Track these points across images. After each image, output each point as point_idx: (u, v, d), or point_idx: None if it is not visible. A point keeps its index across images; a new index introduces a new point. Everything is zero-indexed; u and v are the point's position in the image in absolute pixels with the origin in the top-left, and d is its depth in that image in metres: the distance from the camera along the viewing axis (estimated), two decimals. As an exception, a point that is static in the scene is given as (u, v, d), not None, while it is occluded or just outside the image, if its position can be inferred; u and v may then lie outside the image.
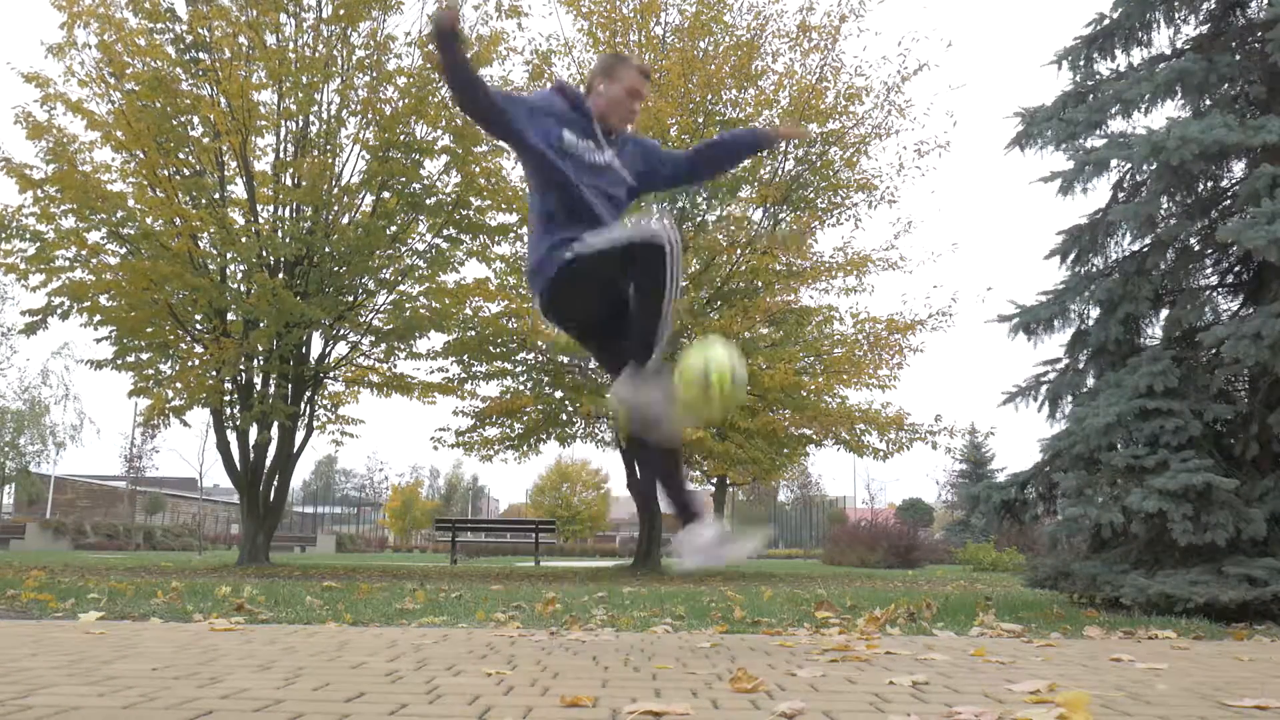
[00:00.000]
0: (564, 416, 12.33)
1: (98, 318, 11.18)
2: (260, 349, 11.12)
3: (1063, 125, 5.63)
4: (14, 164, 10.76)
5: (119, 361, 11.66)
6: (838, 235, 74.01)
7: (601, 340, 2.98)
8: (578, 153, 2.87)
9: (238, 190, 12.09)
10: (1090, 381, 5.61)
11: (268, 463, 12.23)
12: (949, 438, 11.95)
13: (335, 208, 11.48)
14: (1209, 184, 5.58)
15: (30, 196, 10.80)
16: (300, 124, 11.95)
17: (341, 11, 11.18)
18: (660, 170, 3.15)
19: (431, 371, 12.59)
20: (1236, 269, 5.58)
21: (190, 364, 11.39)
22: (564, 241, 2.72)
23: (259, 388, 12.01)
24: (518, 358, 12.04)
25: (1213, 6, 5.70)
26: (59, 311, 11.16)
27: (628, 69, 3.00)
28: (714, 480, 23.71)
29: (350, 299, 12.00)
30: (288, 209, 11.81)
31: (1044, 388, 5.83)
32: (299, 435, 12.53)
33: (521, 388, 12.30)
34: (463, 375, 12.49)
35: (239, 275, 11.79)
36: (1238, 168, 5.52)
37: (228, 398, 11.65)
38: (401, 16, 15.44)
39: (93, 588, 5.52)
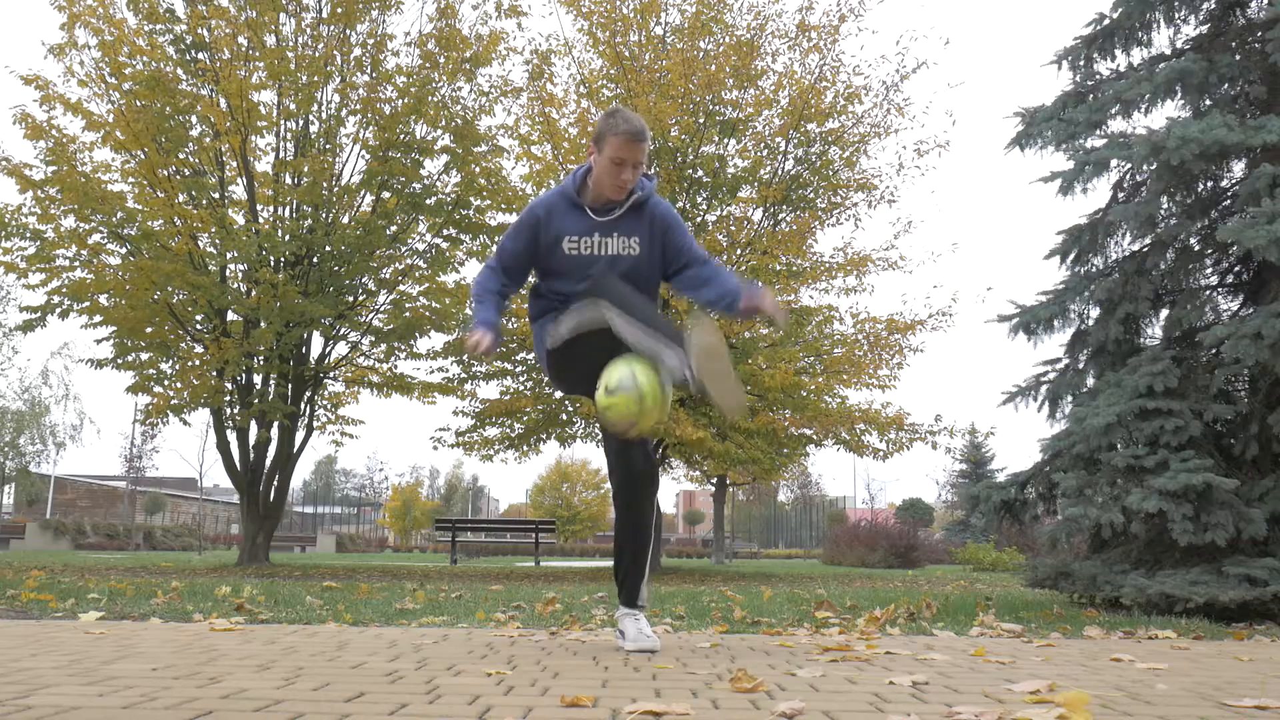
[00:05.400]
0: (564, 416, 12.31)
1: (98, 317, 11.18)
2: (260, 348, 11.13)
3: (1063, 125, 5.63)
4: (13, 164, 10.75)
5: (119, 361, 11.66)
6: (838, 235, 74.10)
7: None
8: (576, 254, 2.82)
9: (238, 190, 12.10)
10: (1090, 381, 5.61)
11: (268, 463, 12.23)
12: (949, 438, 11.94)
13: (335, 207, 11.48)
14: (1209, 184, 5.58)
15: (30, 196, 10.80)
16: (300, 124, 11.95)
17: (340, 11, 11.18)
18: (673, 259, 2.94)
19: (431, 371, 12.62)
20: (1236, 269, 5.58)
21: (190, 364, 11.39)
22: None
23: (259, 387, 12.01)
24: (517, 358, 12.03)
25: (1213, 6, 5.70)
26: (59, 310, 11.16)
27: (614, 136, 2.70)
28: (714, 480, 23.75)
29: (350, 299, 12.01)
30: (288, 209, 11.81)
31: (1044, 388, 5.82)
32: (299, 435, 12.53)
33: (521, 388, 12.30)
34: (463, 375, 12.48)
35: (239, 275, 11.79)
36: (1238, 168, 5.52)
37: (227, 398, 11.65)
38: (400, 16, 15.45)
39: (93, 588, 5.52)
